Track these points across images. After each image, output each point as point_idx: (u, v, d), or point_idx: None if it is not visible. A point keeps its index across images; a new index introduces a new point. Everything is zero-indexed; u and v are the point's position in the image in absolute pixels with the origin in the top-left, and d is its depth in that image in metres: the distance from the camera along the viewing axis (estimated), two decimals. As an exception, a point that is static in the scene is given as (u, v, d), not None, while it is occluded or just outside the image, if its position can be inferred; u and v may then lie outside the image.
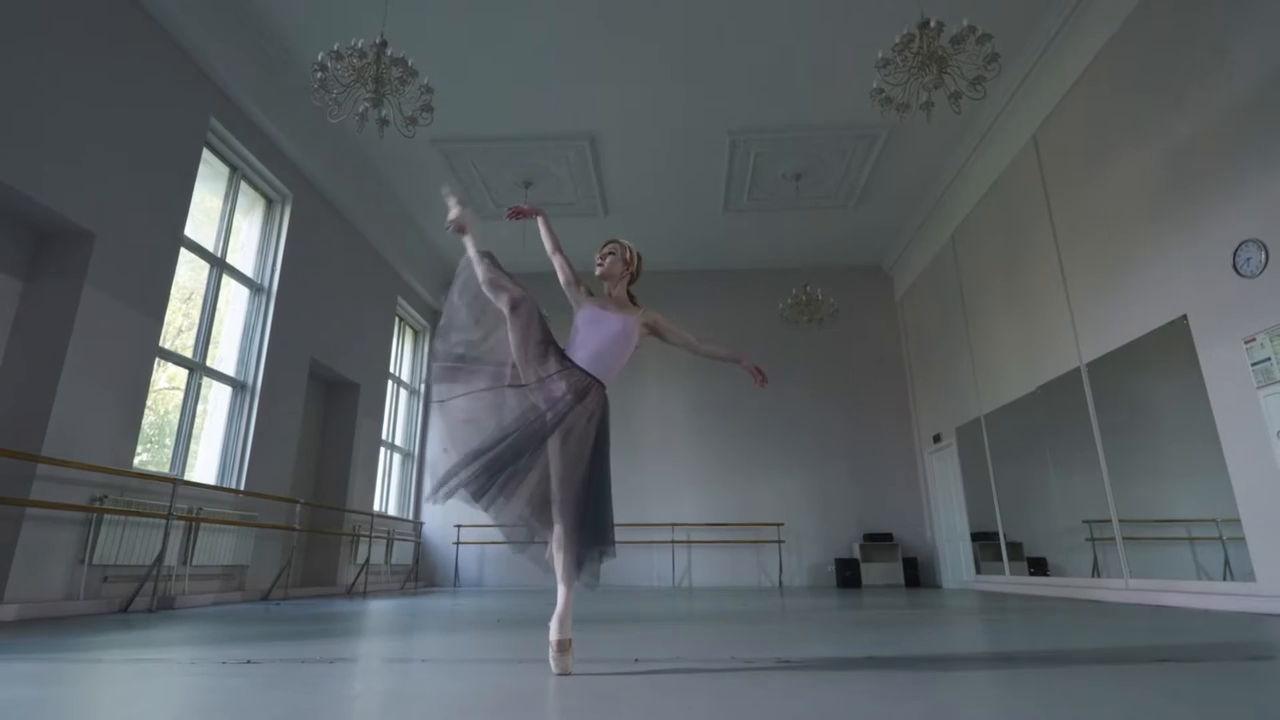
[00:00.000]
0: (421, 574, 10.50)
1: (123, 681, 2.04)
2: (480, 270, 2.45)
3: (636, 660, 2.41)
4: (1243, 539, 4.56)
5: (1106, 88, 5.92)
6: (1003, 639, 3.20)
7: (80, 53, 4.90)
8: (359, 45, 4.23)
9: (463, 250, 2.58)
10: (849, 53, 6.66)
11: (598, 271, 2.64)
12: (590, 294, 2.61)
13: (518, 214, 2.79)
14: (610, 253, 2.65)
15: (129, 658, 2.52)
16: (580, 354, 2.41)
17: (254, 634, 3.42)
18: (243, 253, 7.20)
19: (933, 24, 4.20)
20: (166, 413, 6.34)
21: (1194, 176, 4.94)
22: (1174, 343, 5.12)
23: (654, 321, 2.63)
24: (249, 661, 2.33)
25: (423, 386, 11.42)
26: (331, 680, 2.04)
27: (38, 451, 4.43)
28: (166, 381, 6.33)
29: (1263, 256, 4.35)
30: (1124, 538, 5.75)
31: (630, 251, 2.68)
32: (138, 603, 5.06)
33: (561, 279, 2.65)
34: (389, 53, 4.30)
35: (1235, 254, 4.53)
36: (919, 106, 4.40)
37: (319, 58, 4.23)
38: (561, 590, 2.21)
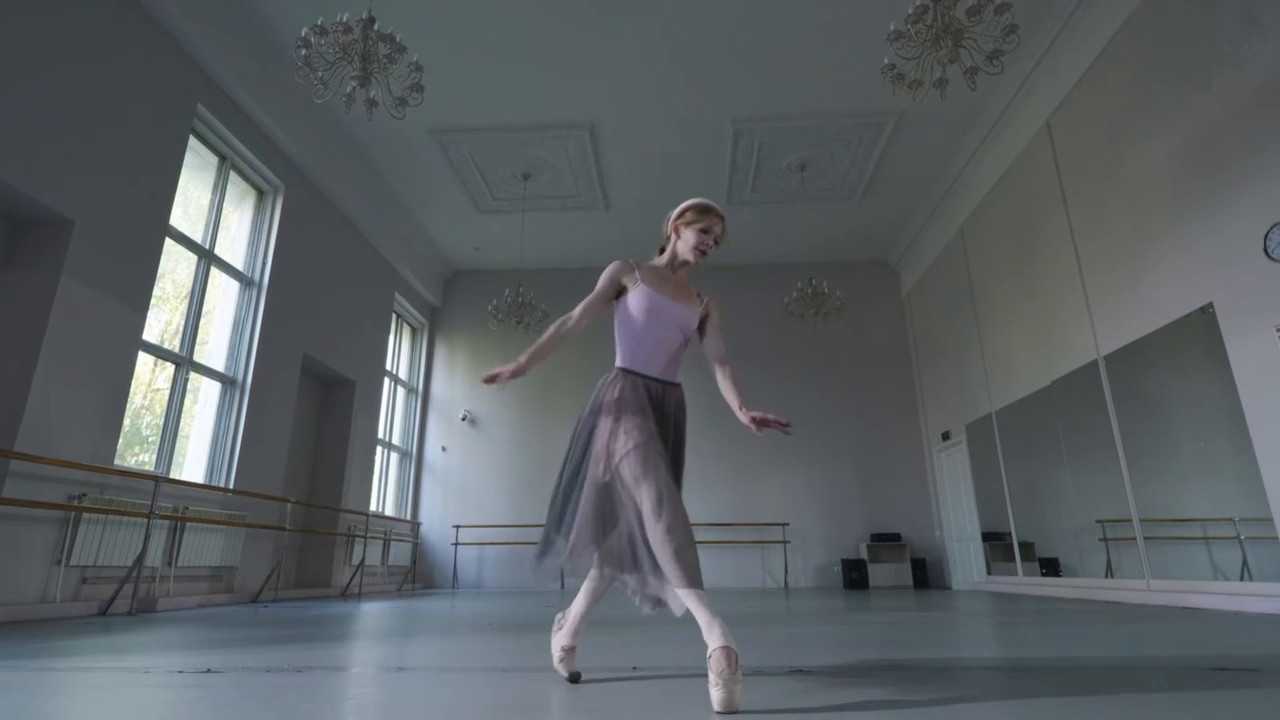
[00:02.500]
0: (419, 575, 10.30)
1: (61, 694, 1.84)
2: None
3: (634, 668, 2.20)
4: (1264, 539, 4.37)
5: (1124, 69, 5.69)
6: (1062, 649, 2.98)
7: (60, 34, 4.70)
8: (344, 20, 4.02)
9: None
10: (855, 37, 6.45)
11: (695, 259, 2.07)
12: (636, 265, 2.08)
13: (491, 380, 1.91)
14: (718, 239, 2.08)
15: (82, 666, 2.32)
16: (642, 353, 1.99)
17: (229, 639, 3.21)
18: (233, 245, 7.01)
19: (948, -5, 3.99)
20: (162, 411, 6.15)
21: (1219, 158, 4.72)
22: (1198, 333, 4.90)
23: (708, 318, 2.15)
24: (209, 670, 2.12)
25: (421, 386, 11.22)
26: (294, 692, 1.84)
27: (10, 447, 4.24)
28: (165, 381, 6.14)
29: (1295, 240, 4.13)
30: (1145, 537, 5.53)
31: None
32: (118, 605, 4.87)
33: (598, 300, 2.06)
34: (376, 28, 4.10)
35: (1266, 238, 4.31)
36: (933, 83, 4.19)
37: (302, 33, 4.03)
38: (696, 599, 1.68)
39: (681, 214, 2.11)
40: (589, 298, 2.04)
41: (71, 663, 2.37)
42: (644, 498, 1.78)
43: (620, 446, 1.84)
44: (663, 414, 1.98)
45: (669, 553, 1.70)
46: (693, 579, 1.68)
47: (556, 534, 1.95)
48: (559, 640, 2.03)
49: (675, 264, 2.12)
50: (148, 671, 2.13)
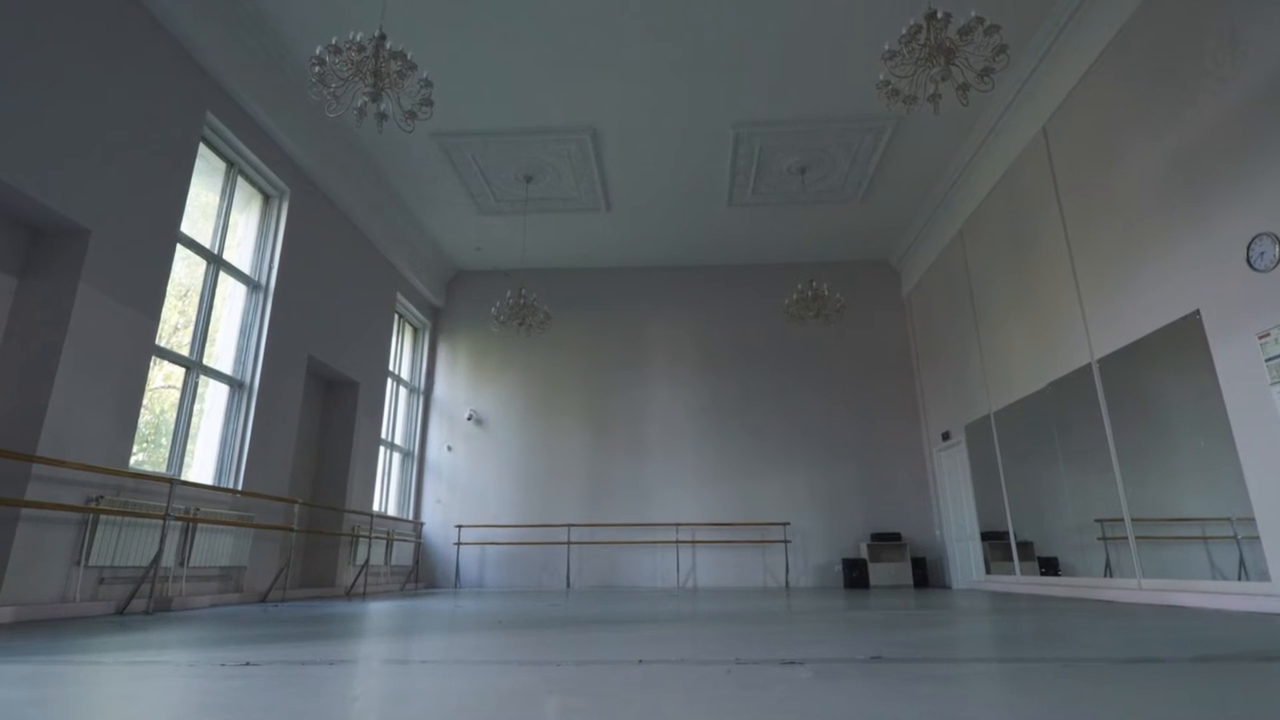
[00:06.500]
0: (422, 575, 10.43)
1: (121, 683, 1.97)
2: None
3: (640, 661, 2.33)
4: (1258, 538, 4.49)
5: (1116, 79, 5.84)
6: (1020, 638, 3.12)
7: (75, 47, 4.82)
8: (358, 39, 4.15)
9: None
10: (855, 44, 6.59)
11: None
12: None
13: None
14: None
15: (127, 659, 2.45)
16: None
17: (252, 635, 3.34)
18: (239, 249, 7.12)
19: (940, 15, 4.13)
20: (162, 411, 6.28)
21: (1206, 169, 4.86)
22: (1187, 339, 5.05)
23: None
24: (248, 663, 2.25)
25: (422, 386, 11.34)
26: (332, 682, 1.97)
27: (33, 451, 4.36)
28: (163, 380, 6.26)
29: (1276, 250, 4.27)
30: (1137, 537, 5.68)
31: None
32: (134, 604, 4.99)
33: None
34: (388, 46, 4.22)
35: (1249, 248, 4.45)
36: (926, 99, 4.33)
37: (316, 51, 4.16)
38: None
39: None
40: None
41: (117, 656, 2.50)
42: None
43: None
44: None
45: None
46: None
47: None
48: None
49: None
50: (192, 665, 2.26)
